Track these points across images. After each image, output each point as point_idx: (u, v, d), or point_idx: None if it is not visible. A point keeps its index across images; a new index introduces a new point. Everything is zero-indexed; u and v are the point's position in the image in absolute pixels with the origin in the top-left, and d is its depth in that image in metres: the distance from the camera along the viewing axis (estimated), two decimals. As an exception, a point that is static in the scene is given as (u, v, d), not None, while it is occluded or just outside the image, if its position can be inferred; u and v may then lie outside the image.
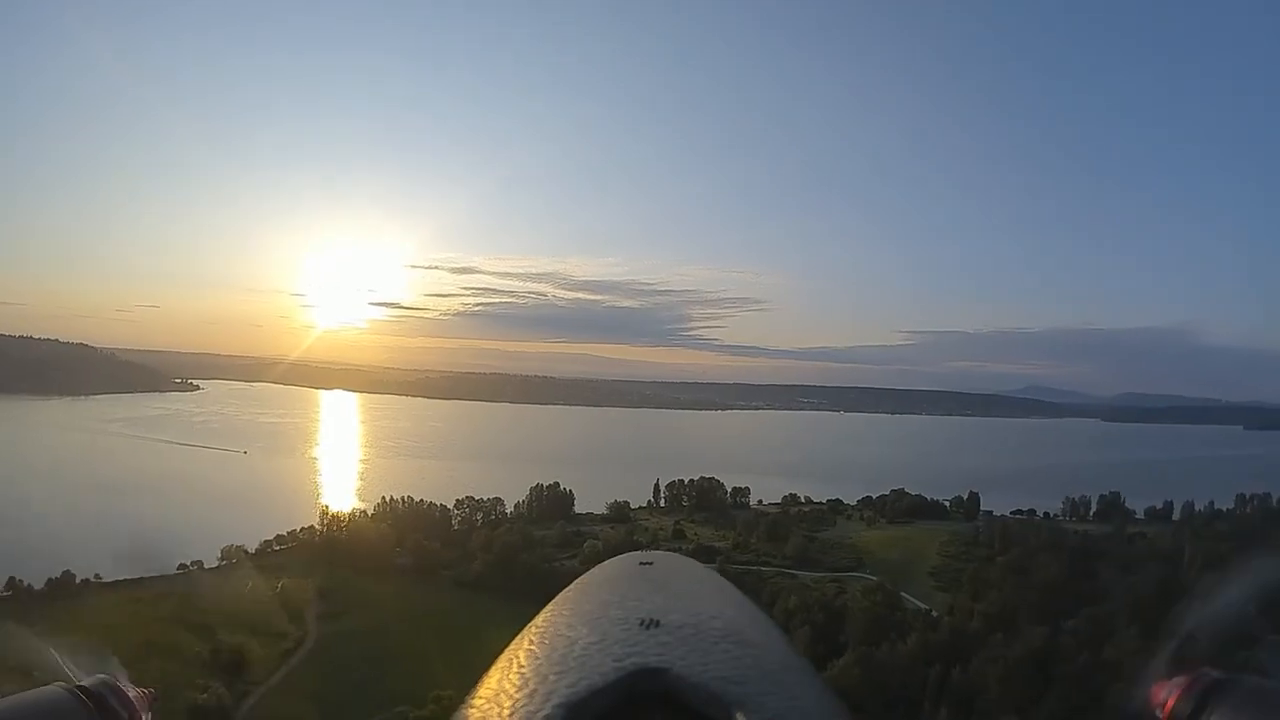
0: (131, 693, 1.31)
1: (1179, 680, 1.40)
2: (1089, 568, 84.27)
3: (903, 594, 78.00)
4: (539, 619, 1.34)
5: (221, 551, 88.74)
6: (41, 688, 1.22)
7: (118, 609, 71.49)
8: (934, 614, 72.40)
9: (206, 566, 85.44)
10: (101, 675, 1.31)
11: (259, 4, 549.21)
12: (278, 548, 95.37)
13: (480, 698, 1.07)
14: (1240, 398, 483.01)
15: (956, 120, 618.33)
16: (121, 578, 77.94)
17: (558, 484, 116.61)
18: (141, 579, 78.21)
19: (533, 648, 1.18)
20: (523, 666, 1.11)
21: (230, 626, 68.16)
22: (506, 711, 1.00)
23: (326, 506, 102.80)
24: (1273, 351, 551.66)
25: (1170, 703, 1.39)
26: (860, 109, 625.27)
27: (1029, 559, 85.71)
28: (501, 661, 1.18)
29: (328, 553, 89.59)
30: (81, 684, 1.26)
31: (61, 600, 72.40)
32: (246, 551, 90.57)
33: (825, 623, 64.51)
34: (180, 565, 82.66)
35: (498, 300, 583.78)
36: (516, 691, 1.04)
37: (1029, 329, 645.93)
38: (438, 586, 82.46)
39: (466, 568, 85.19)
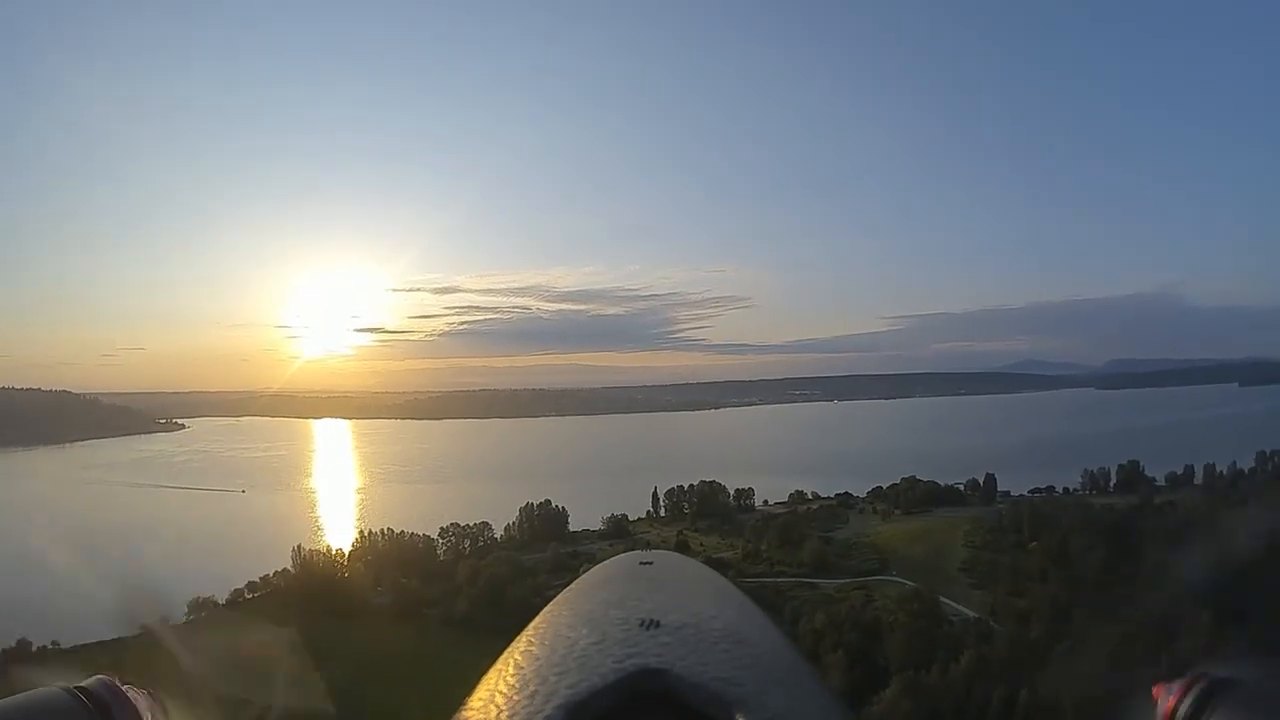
0: (131, 693, 1.31)
1: (1179, 681, 1.40)
2: (1131, 547, 77.63)
3: (941, 598, 70.97)
4: (539, 619, 1.36)
5: (189, 605, 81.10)
6: (41, 688, 1.23)
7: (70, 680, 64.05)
8: (979, 619, 65.23)
9: (173, 623, 78.38)
10: (100, 676, 1.31)
11: (233, 42, 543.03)
12: (250, 595, 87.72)
13: (480, 698, 1.07)
14: (1231, 355, 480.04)
15: (924, 101, 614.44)
16: (81, 642, 70.80)
17: (549, 501, 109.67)
18: (101, 643, 70.90)
19: (532, 648, 1.19)
20: (523, 667, 1.12)
21: (188, 697, 60.55)
22: (507, 712, 1.00)
23: (299, 546, 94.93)
24: (1260, 307, 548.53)
25: (1171, 703, 1.38)
26: (827, 98, 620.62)
27: (1064, 543, 79.16)
28: (501, 662, 1.19)
29: (302, 598, 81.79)
30: (81, 684, 1.26)
31: (16, 670, 65.09)
32: (217, 603, 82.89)
33: (860, 643, 57.00)
34: (143, 626, 75.44)
35: (482, 317, 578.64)
36: (517, 692, 1.04)
37: (1013, 305, 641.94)
38: (422, 628, 75.09)
39: (452, 605, 77.70)
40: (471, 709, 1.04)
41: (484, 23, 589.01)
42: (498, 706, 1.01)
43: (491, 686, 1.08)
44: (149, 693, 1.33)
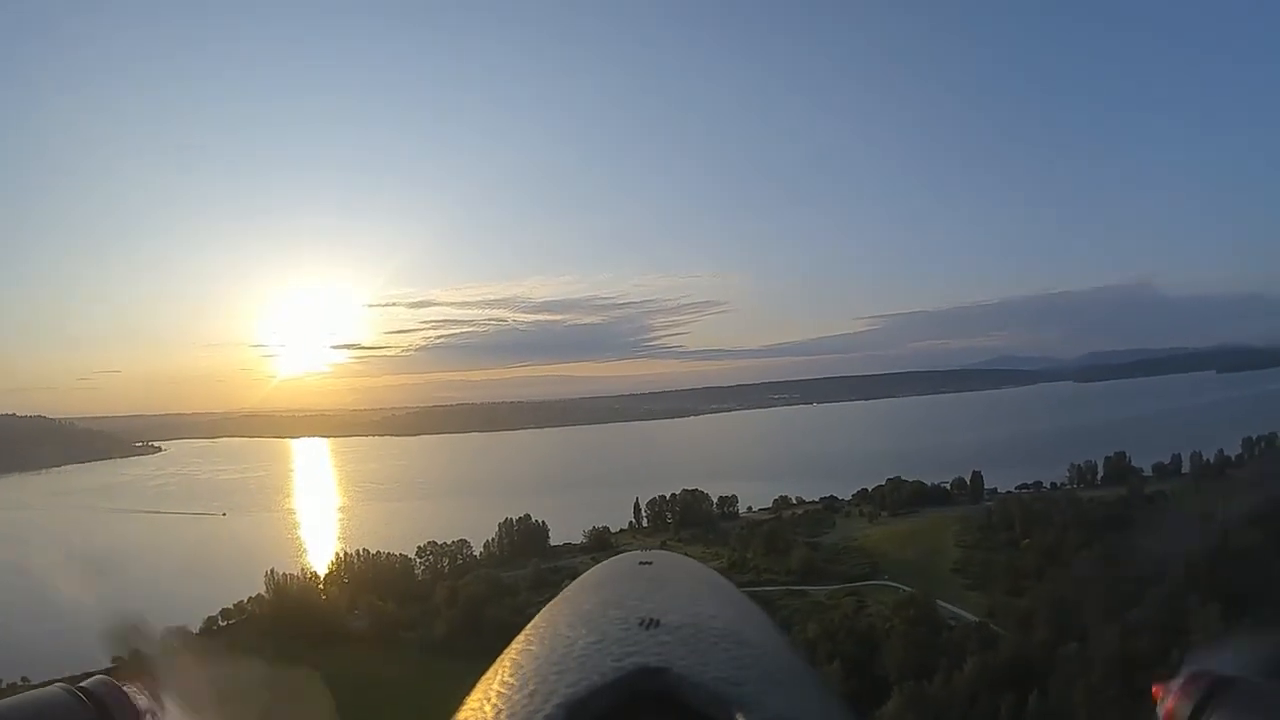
0: (131, 693, 1.32)
1: (1179, 680, 1.40)
2: (1125, 541, 75.96)
3: (938, 602, 68.70)
4: (539, 619, 1.35)
5: (160, 636, 77.59)
6: (42, 688, 1.24)
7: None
8: (980, 622, 62.91)
9: (148, 655, 74.96)
10: (101, 675, 1.32)
11: (205, 63, 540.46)
12: (224, 623, 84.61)
13: (479, 697, 1.07)
14: (1207, 343, 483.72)
15: (897, 103, 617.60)
16: (53, 678, 67.97)
17: (529, 516, 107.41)
18: (72, 677, 67.76)
19: (532, 648, 1.19)
20: (522, 665, 1.12)
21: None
22: (506, 711, 1.00)
23: (272, 571, 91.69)
24: (1234, 295, 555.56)
25: (1170, 703, 1.39)
26: (800, 104, 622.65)
27: (1058, 540, 77.70)
28: (501, 661, 1.18)
29: (276, 625, 78.98)
30: (82, 684, 1.27)
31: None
32: (190, 633, 79.50)
33: (856, 652, 54.56)
34: (115, 658, 71.98)
35: (458, 331, 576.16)
36: (516, 691, 1.04)
37: (988, 301, 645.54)
38: (400, 653, 72.18)
39: (429, 627, 75.06)
40: (470, 708, 1.04)
41: (458, 38, 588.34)
42: (496, 705, 1.01)
43: (490, 685, 1.08)
44: (149, 693, 1.34)
